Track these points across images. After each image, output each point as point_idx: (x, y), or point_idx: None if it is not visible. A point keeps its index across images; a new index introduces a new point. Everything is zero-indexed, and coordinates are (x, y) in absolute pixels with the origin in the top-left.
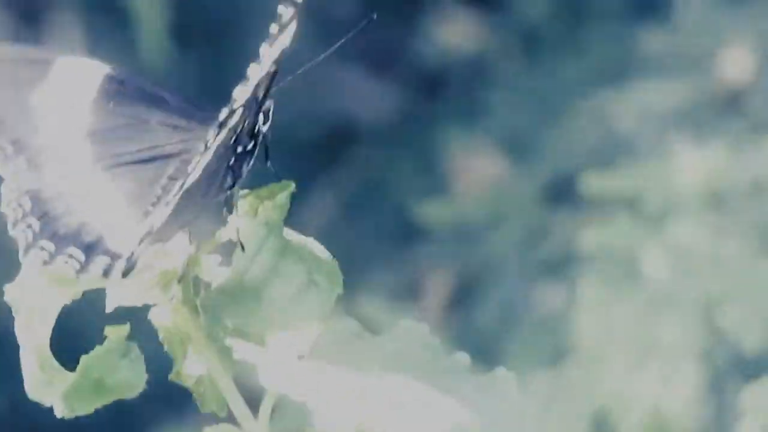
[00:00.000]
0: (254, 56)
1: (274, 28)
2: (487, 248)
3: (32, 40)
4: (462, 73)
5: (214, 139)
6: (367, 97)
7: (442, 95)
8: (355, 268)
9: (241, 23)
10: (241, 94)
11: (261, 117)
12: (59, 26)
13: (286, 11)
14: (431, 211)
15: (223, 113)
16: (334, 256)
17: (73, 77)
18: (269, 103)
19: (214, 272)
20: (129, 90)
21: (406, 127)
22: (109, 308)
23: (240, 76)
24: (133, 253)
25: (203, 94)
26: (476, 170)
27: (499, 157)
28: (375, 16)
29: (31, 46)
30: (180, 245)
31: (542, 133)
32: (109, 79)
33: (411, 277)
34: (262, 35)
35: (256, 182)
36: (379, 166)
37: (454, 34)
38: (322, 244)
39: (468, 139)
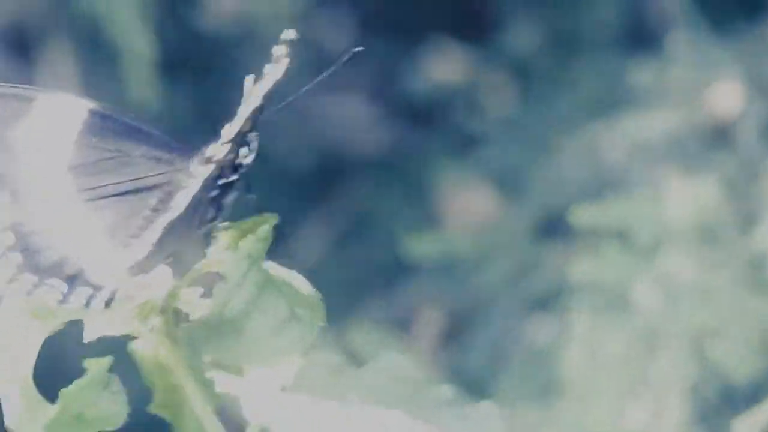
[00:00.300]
0: (243, 89)
1: (268, 68)
2: (477, 282)
3: (21, 75)
4: (453, 106)
5: (201, 173)
6: (358, 129)
7: (433, 128)
8: (344, 301)
9: (231, 55)
10: (229, 131)
11: (245, 150)
12: (48, 61)
13: (280, 50)
14: (421, 245)
15: (211, 149)
16: (323, 289)
17: (55, 113)
18: (253, 136)
19: (195, 304)
20: (111, 125)
21: (396, 159)
22: (88, 339)
23: (228, 109)
24: (114, 284)
25: (192, 127)
26: (467, 204)
27: (490, 191)
28: (360, 49)
29: (12, 84)
30: (161, 277)
31: (533, 167)
32: (92, 114)
33: (401, 311)
34: (252, 67)
35: (238, 215)
36: (370, 198)
37: (446, 67)
38: (311, 275)
39: (459, 172)
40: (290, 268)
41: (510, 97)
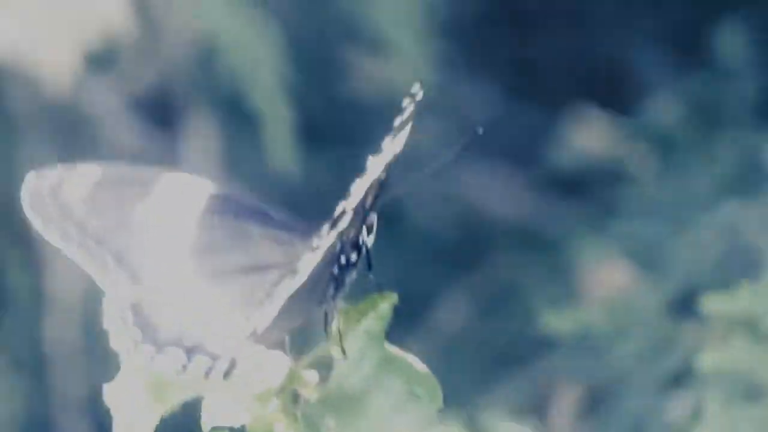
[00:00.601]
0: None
1: (386, 141)
2: (612, 358)
3: (163, 146)
4: (594, 176)
5: (323, 246)
6: (500, 199)
7: (574, 198)
8: (479, 376)
9: (372, 122)
10: (348, 203)
11: (365, 229)
12: (190, 131)
13: (407, 105)
14: (559, 320)
15: (339, 208)
16: (459, 363)
17: (177, 193)
18: (374, 216)
19: (314, 383)
20: (232, 205)
21: (538, 229)
22: (207, 428)
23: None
24: (233, 356)
25: (333, 194)
26: (604, 277)
27: (627, 266)
28: (482, 130)
29: (137, 165)
30: (280, 354)
31: (670, 244)
32: (213, 194)
33: (536, 387)
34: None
35: (358, 292)
36: (510, 269)
37: (588, 136)
38: (448, 349)
39: (598, 246)
40: (428, 340)
41: (651, 171)
